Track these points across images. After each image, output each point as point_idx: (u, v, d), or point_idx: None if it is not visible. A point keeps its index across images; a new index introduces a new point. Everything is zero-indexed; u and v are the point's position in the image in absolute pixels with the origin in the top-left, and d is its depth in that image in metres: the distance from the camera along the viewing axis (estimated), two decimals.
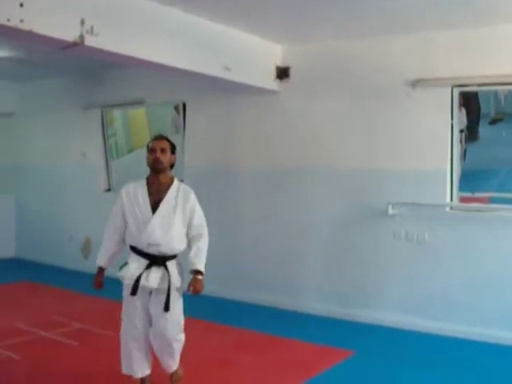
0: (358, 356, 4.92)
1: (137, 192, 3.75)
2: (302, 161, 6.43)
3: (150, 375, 3.95)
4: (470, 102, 5.69)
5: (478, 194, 6.15)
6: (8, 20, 3.74)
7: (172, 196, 3.75)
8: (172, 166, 3.85)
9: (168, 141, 3.81)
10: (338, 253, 6.21)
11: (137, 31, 4.72)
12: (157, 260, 3.74)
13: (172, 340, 3.86)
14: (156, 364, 4.02)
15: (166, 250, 3.74)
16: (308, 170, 6.39)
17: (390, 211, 5.75)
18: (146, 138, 8.63)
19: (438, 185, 5.62)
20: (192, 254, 3.83)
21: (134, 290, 3.69)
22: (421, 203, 5.63)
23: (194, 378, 4.34)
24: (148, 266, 3.72)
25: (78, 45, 4.24)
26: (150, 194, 3.74)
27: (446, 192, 5.60)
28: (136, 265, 3.74)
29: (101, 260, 3.84)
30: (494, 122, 5.66)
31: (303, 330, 5.67)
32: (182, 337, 3.95)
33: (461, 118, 5.66)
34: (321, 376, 4.47)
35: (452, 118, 5.56)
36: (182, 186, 3.84)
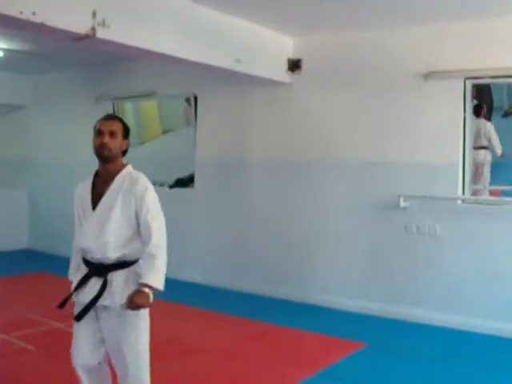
0: (370, 348, 4.92)
1: (85, 187, 3.10)
2: (314, 153, 6.42)
3: None
4: (482, 94, 5.65)
5: (490, 187, 6.14)
6: (21, 13, 3.76)
7: (115, 188, 3.00)
8: (124, 152, 3.13)
9: (120, 121, 3.10)
10: (350, 245, 6.20)
11: (148, 23, 4.72)
12: (96, 269, 2.98)
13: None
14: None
15: (100, 256, 2.95)
16: (319, 162, 6.38)
17: (402, 204, 5.73)
18: (157, 130, 8.66)
19: (449, 178, 5.59)
20: (142, 263, 2.94)
21: (62, 303, 3.09)
22: (433, 196, 5.60)
23: (206, 370, 4.37)
24: (87, 277, 3.00)
25: (89, 37, 4.25)
26: (95, 187, 3.07)
27: (457, 185, 5.57)
28: (78, 275, 3.07)
29: (70, 274, 3.19)
30: (506, 114, 5.63)
31: (314, 322, 5.67)
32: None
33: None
34: (331, 367, 4.48)
35: (464, 111, 5.52)
36: (133, 173, 3.07)
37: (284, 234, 6.67)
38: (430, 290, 5.67)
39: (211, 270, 7.15)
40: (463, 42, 5.44)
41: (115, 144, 3.00)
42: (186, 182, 7.61)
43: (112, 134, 2.99)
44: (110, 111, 8.49)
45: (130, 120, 8.62)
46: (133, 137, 9.23)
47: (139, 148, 8.41)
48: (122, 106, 8.54)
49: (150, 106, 8.50)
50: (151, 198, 2.97)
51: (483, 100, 5.70)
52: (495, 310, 5.30)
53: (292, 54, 6.47)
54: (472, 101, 5.57)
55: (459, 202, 5.62)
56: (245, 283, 6.85)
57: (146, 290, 2.80)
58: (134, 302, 2.79)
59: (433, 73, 5.57)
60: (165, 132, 8.59)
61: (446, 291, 5.57)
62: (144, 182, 3.00)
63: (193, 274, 7.21)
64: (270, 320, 5.67)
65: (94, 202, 3.01)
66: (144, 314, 2.97)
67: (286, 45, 6.43)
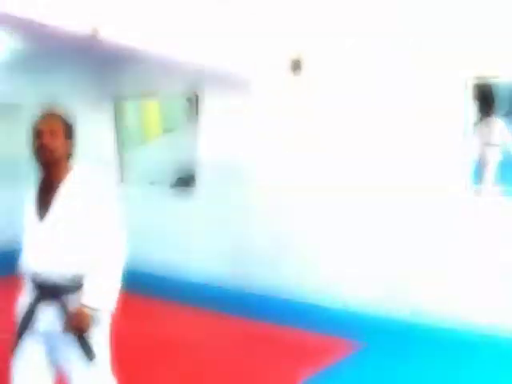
0: (370, 348, 4.93)
1: (30, 196, 2.73)
2: (316, 152, 6.42)
3: None
4: (484, 93, 5.65)
5: (493, 187, 6.13)
6: (24, 12, 3.77)
7: (65, 194, 2.59)
8: (70, 154, 2.71)
9: (62, 119, 2.71)
10: (350, 245, 6.20)
11: (150, 24, 4.74)
12: (48, 292, 2.58)
13: None
14: None
15: (57, 277, 2.55)
16: (321, 161, 6.39)
17: (404, 202, 5.73)
18: (158, 130, 8.64)
19: (452, 177, 5.58)
20: (85, 279, 2.54)
21: (19, 333, 2.69)
22: (434, 195, 5.61)
23: (205, 370, 4.38)
24: (38, 300, 2.63)
25: (92, 37, 4.26)
26: (40, 196, 2.66)
27: (460, 184, 5.56)
28: (25, 299, 2.74)
29: None
30: (508, 114, 5.62)
31: (314, 322, 5.67)
32: None
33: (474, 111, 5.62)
34: (331, 367, 4.49)
35: (466, 110, 5.51)
36: (86, 172, 2.71)
37: (285, 233, 6.67)
38: (430, 290, 5.67)
39: (211, 268, 7.15)
40: (465, 41, 5.44)
41: (56, 145, 2.62)
42: (187, 181, 7.61)
43: (52, 134, 2.63)
44: (112, 111, 8.50)
45: (131, 120, 8.61)
46: (134, 136, 9.24)
47: (140, 148, 8.41)
48: (123, 105, 8.53)
49: (150, 106, 8.51)
50: (108, 199, 2.63)
51: (485, 99, 5.69)
52: (499, 310, 5.29)
53: (294, 55, 6.47)
54: (474, 100, 5.56)
55: (462, 201, 5.61)
56: (245, 282, 6.85)
57: (86, 310, 2.48)
58: (73, 327, 2.48)
59: (435, 72, 5.56)
60: (166, 131, 8.60)
61: (447, 291, 5.57)
62: (99, 184, 2.65)
63: (193, 273, 7.22)
64: (270, 320, 5.68)
65: (41, 214, 2.62)
66: (103, 331, 2.69)
67: (289, 45, 6.43)
